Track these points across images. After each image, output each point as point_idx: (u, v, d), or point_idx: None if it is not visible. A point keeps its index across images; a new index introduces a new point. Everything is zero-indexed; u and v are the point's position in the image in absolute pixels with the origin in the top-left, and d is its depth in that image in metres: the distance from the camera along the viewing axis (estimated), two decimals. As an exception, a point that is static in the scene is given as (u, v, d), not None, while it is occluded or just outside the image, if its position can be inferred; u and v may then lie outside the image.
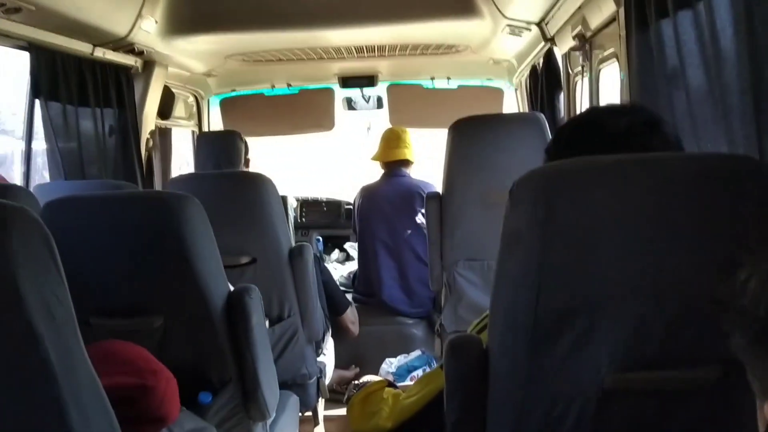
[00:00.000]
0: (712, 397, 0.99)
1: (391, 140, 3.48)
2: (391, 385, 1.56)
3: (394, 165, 3.46)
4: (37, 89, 2.53)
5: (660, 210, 0.96)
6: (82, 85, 2.76)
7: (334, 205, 4.44)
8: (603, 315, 0.95)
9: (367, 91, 4.02)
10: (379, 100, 4.10)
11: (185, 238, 1.56)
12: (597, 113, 1.15)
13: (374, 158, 3.55)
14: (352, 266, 3.95)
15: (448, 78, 3.93)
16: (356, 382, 1.61)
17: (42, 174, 2.72)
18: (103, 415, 1.01)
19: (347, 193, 4.49)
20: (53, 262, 0.94)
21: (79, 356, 0.97)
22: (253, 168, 2.88)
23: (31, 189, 2.37)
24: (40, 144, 2.63)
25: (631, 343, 0.95)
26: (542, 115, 2.64)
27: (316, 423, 2.78)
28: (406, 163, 3.47)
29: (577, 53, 2.48)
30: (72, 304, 0.97)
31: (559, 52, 2.89)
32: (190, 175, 2.58)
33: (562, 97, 2.96)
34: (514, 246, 1.00)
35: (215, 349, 1.70)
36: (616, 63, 2.12)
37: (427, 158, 3.80)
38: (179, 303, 1.63)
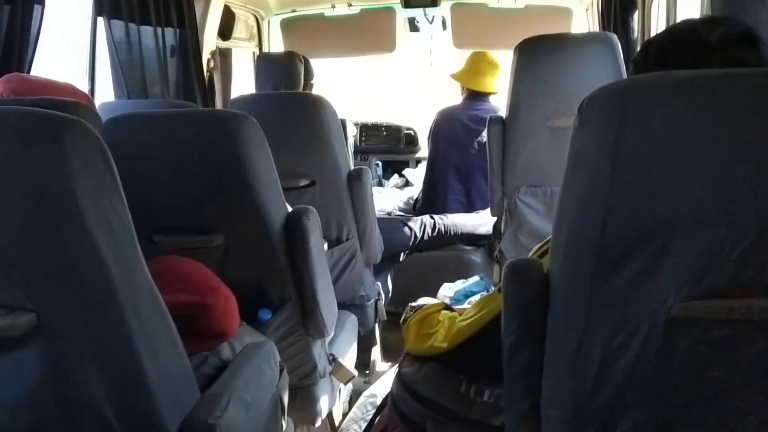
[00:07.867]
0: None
1: (481, 65, 3.36)
2: (447, 308, 1.55)
3: (478, 92, 3.37)
4: (100, 7, 2.55)
5: (742, 131, 0.88)
6: (144, 4, 2.75)
7: (393, 131, 4.40)
8: (673, 241, 0.90)
9: (430, 11, 3.87)
10: (443, 20, 3.94)
11: (242, 158, 1.56)
12: (691, 23, 1.06)
13: (455, 77, 3.45)
14: (411, 191, 3.92)
15: (515, -4, 3.75)
16: (413, 304, 1.61)
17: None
18: (162, 324, 1.03)
19: (407, 118, 4.43)
20: (110, 175, 0.95)
21: (138, 267, 0.99)
22: (314, 92, 2.84)
23: (96, 107, 2.40)
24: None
25: (701, 271, 0.90)
26: (615, 36, 2.48)
27: (374, 343, 2.84)
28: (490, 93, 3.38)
29: (657, -34, 2.31)
30: (130, 217, 0.99)
31: (636, -33, 2.70)
32: (250, 95, 2.57)
33: (636, 17, 2.78)
34: (582, 167, 0.95)
35: (274, 269, 1.72)
36: (700, -24, 1.96)
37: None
38: (238, 223, 1.65)
